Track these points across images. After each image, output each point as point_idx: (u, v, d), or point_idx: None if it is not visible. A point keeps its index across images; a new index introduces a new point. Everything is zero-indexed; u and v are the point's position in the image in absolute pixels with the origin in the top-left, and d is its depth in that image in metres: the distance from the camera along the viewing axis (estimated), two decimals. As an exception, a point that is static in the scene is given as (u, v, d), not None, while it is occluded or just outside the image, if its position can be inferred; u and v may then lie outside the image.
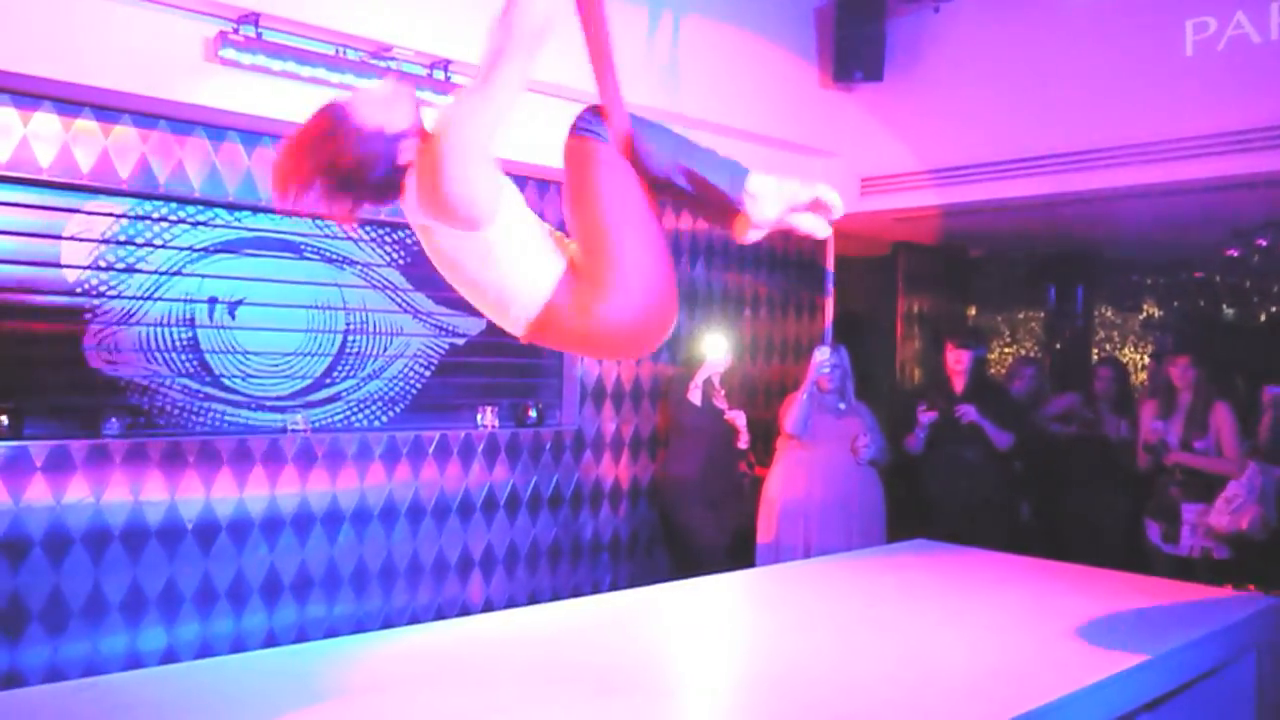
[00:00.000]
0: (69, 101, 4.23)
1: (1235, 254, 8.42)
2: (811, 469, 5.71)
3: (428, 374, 5.52)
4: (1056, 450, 6.42)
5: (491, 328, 5.72)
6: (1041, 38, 6.04)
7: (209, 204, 4.72)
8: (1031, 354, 9.90)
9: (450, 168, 2.10)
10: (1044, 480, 6.52)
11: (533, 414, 5.80)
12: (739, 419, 5.78)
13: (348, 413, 5.22)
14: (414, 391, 5.46)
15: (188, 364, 4.73)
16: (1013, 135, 6.12)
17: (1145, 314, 11.00)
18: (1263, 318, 11.30)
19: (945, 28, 6.41)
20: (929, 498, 5.94)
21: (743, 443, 5.86)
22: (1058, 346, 9.92)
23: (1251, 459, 5.42)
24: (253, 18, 4.26)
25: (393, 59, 4.70)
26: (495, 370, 5.77)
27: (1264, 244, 7.79)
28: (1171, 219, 6.99)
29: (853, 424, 5.79)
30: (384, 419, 5.35)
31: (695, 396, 5.70)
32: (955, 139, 6.34)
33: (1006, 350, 10.40)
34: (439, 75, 4.82)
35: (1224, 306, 11.07)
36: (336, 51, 4.54)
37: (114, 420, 4.45)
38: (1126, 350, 11.18)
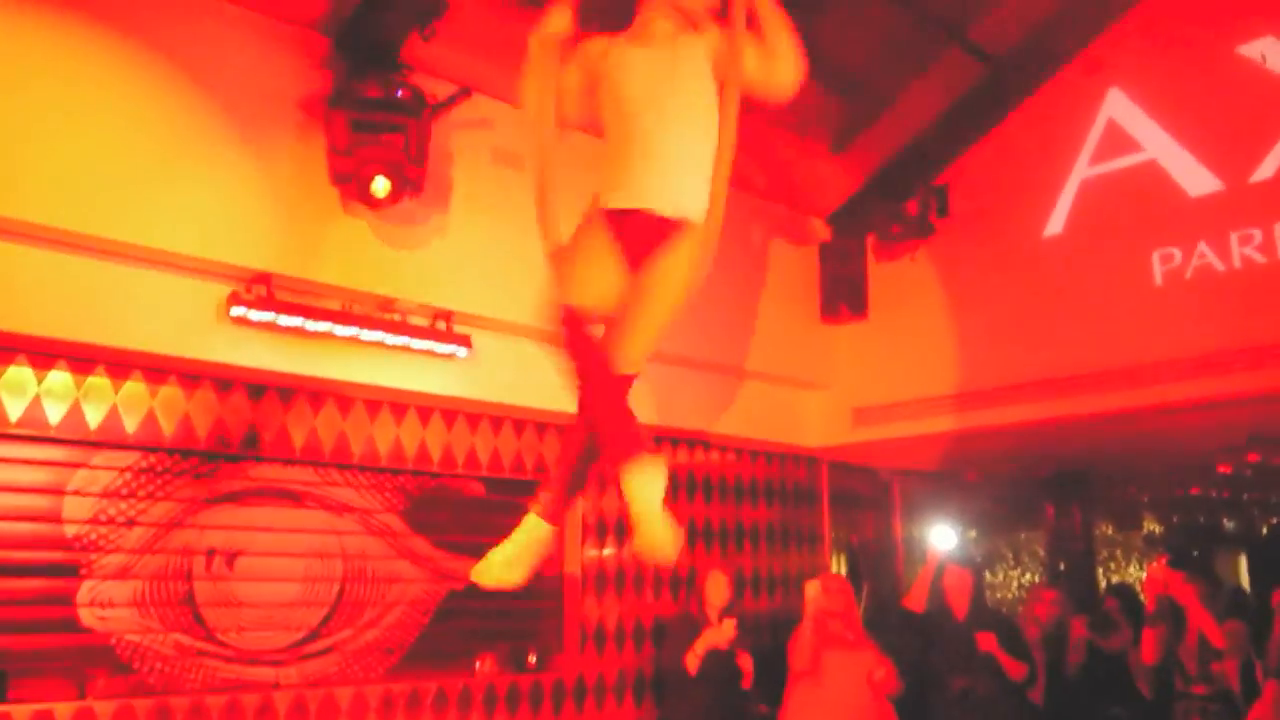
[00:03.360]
0: (82, 359, 4.36)
1: (1227, 470, 8.49)
2: (824, 707, 5.50)
3: (426, 621, 5.40)
4: (1072, 681, 6.21)
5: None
6: (1017, 272, 6.32)
7: (213, 455, 4.77)
8: (1037, 577, 9.76)
9: None
10: (1060, 711, 6.27)
11: (533, 659, 5.64)
12: (745, 661, 5.59)
13: (343, 664, 5.07)
14: (411, 640, 5.33)
15: (182, 618, 4.63)
16: (995, 364, 6.29)
17: (1146, 530, 10.94)
18: (1264, 530, 11.26)
19: (924, 268, 6.73)
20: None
21: (747, 683, 5.66)
22: (1061, 567, 9.79)
23: (1271, 680, 5.24)
24: (264, 278, 4.46)
25: (397, 312, 4.89)
26: (495, 615, 5.65)
27: (1255, 459, 7.87)
28: (1162, 437, 7.08)
29: (865, 656, 5.63)
30: (380, 670, 5.19)
31: (692, 664, 5.45)
32: (940, 370, 6.51)
33: (1010, 573, 10.26)
34: (441, 326, 5.00)
35: (1224, 520, 11.04)
36: (343, 306, 4.73)
37: (101, 681, 4.32)
38: (1131, 568, 11.03)
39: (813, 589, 5.72)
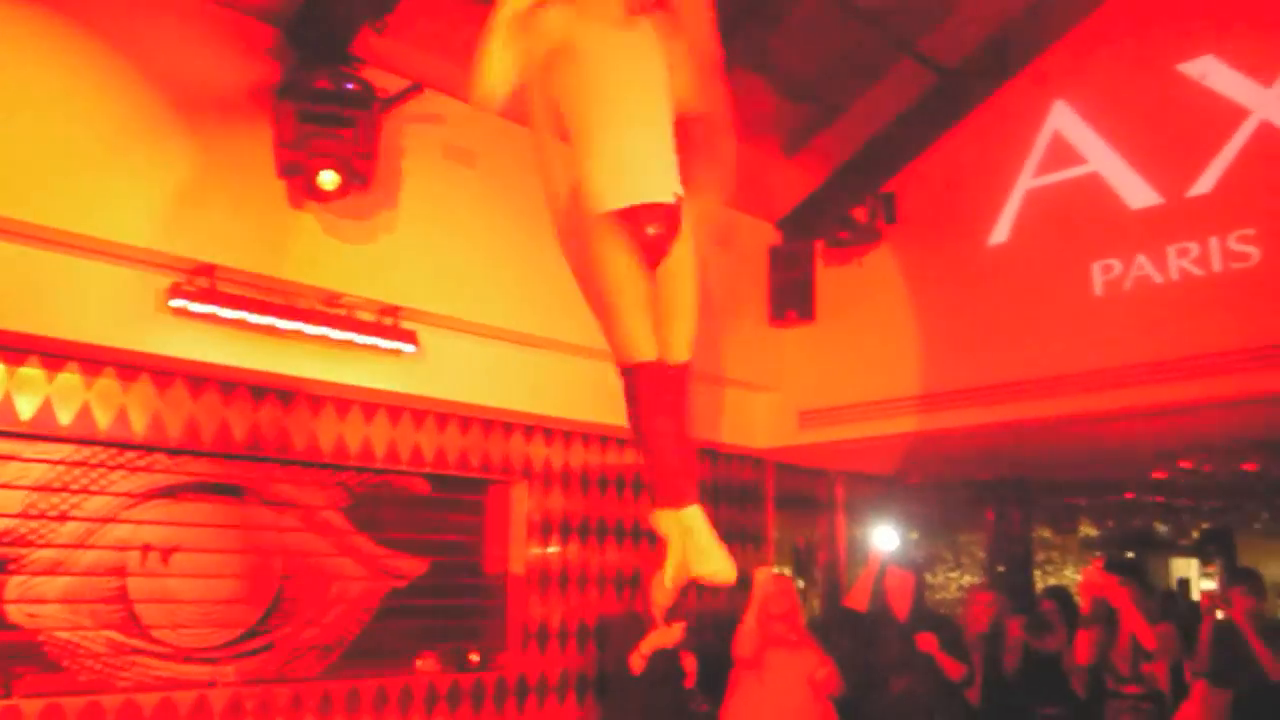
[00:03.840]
0: (14, 350, 4.24)
1: (1161, 475, 8.71)
2: (765, 704, 5.53)
3: (366, 618, 5.35)
4: (1007, 680, 6.32)
5: (434, 569, 5.65)
6: (962, 279, 6.42)
7: (150, 448, 4.67)
8: (977, 579, 9.90)
9: None
10: (996, 710, 6.38)
11: (475, 658, 5.61)
12: (689, 661, 5.60)
13: (281, 662, 5.00)
14: (352, 638, 5.27)
15: (115, 615, 4.54)
16: (939, 370, 6.37)
17: (1083, 534, 11.18)
18: (1195, 534, 11.55)
19: (871, 273, 6.80)
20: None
21: (690, 683, 5.67)
22: (1000, 569, 9.95)
23: (1199, 680, 5.38)
24: (207, 270, 4.38)
25: (343, 307, 4.83)
26: (437, 613, 5.62)
27: (1188, 466, 8.07)
28: (1099, 444, 7.23)
29: (808, 656, 5.67)
30: (319, 668, 5.13)
31: (637, 664, 5.43)
32: (885, 375, 6.59)
33: (950, 575, 10.41)
34: (388, 321, 4.95)
35: (1157, 525, 11.32)
36: (288, 300, 4.66)
37: (29, 679, 4.22)
38: (1068, 571, 11.25)
39: (762, 575, 5.77)
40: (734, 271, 6.82)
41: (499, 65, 2.58)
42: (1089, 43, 6.14)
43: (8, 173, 3.91)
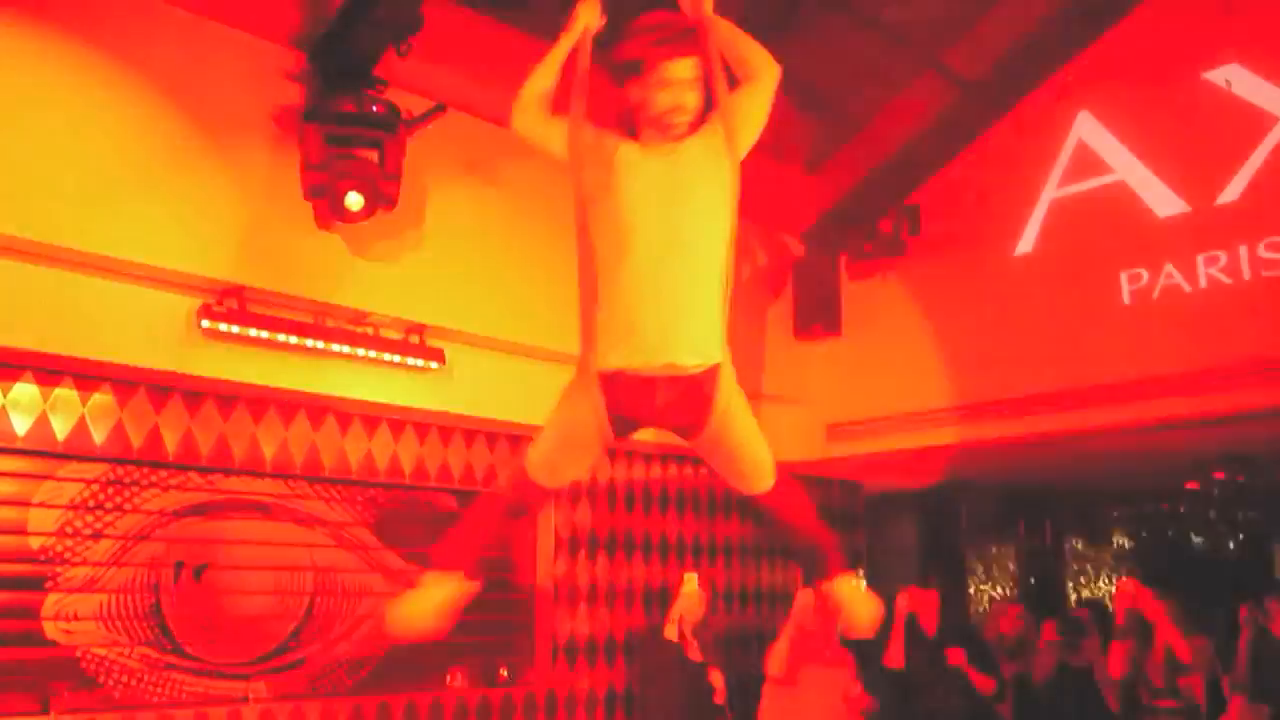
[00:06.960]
0: (49, 371, 4.32)
1: (1195, 487, 8.59)
2: (797, 718, 5.50)
3: (396, 634, 5.38)
4: (1039, 694, 6.25)
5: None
6: (988, 290, 6.39)
7: (182, 467, 4.74)
8: (1009, 591, 9.82)
9: None
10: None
11: (504, 673, 5.63)
12: (716, 676, 5.59)
13: (312, 678, 5.04)
14: (382, 654, 5.31)
15: (149, 631, 4.60)
16: (967, 382, 6.35)
17: (1116, 545, 11.05)
18: (1231, 545, 11.39)
19: (896, 286, 6.79)
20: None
21: (719, 698, 5.66)
22: (1032, 581, 9.86)
23: (1236, 695, 5.31)
24: (236, 291, 4.45)
25: (370, 325, 4.89)
26: (466, 628, 5.60)
27: (1221, 477, 7.96)
28: (1131, 454, 7.15)
29: (843, 673, 5.63)
30: (350, 684, 5.16)
31: (672, 633, 5.50)
32: (913, 387, 6.57)
33: (982, 587, 10.32)
34: (414, 339, 5.00)
35: (1192, 536, 11.17)
36: (316, 320, 4.72)
37: (66, 695, 4.28)
38: (1101, 583, 11.12)
39: (804, 597, 5.75)
40: (758, 285, 6.84)
41: (540, 99, 2.37)
42: (1112, 52, 6.11)
43: (41, 199, 4.00)
